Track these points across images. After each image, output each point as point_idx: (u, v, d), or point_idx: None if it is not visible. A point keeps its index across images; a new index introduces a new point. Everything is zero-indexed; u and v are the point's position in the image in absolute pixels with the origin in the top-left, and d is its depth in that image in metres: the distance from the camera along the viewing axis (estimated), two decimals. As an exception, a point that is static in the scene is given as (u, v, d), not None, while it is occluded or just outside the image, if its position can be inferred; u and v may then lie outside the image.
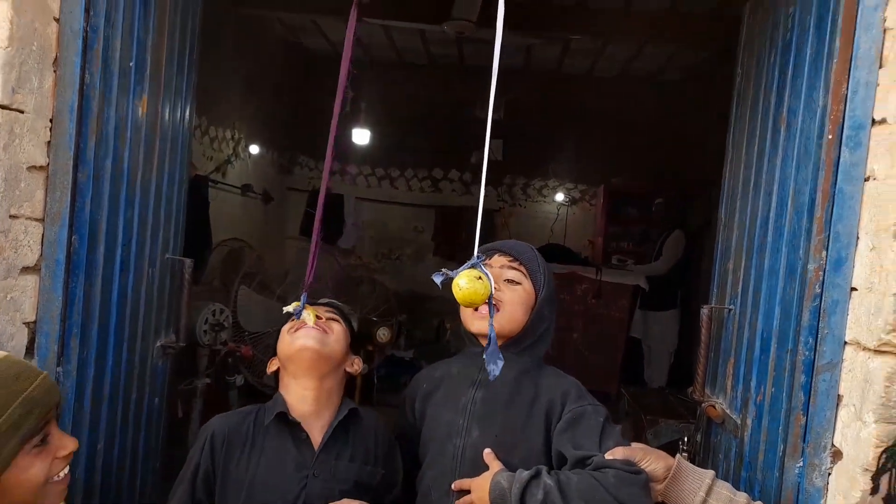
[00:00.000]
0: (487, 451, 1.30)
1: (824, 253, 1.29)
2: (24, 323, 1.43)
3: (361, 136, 6.33)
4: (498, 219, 6.86)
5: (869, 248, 1.22)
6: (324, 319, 1.40)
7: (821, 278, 1.29)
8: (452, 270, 1.20)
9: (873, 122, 1.24)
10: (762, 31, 1.73)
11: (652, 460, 1.25)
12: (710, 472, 1.27)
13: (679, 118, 5.97)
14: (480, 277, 1.19)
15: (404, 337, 5.16)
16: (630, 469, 1.19)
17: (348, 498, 1.28)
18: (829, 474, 1.28)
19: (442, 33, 4.62)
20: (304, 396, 1.37)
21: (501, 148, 5.87)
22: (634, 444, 1.29)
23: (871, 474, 1.12)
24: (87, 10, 1.45)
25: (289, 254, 6.25)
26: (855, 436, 1.21)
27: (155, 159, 1.80)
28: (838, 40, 1.27)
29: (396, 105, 6.54)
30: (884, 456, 1.09)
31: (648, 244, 5.76)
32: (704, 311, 1.82)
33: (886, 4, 1.21)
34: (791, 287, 1.40)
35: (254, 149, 5.84)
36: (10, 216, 1.36)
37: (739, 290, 1.73)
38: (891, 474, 1.06)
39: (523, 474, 1.21)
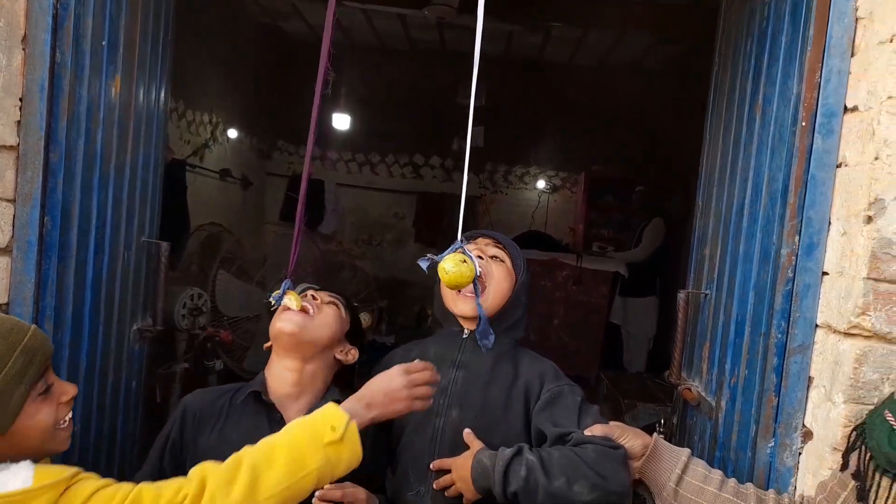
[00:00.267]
0: (467, 431, 1.31)
1: (797, 238, 1.31)
2: (-5, 305, 1.41)
3: (342, 122, 6.29)
4: (479, 206, 6.87)
5: (840, 234, 1.24)
6: (318, 301, 1.40)
7: (793, 263, 1.32)
8: (437, 256, 1.22)
9: (845, 109, 1.26)
10: (739, 20, 1.75)
11: (630, 437, 1.28)
12: (686, 451, 1.29)
13: (660, 107, 6.00)
14: (465, 261, 1.21)
15: (385, 323, 5.17)
16: (609, 444, 1.22)
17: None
18: (800, 454, 1.32)
19: (423, 18, 4.59)
20: (284, 377, 1.37)
21: (482, 135, 5.86)
22: (612, 423, 1.32)
23: (839, 453, 1.15)
24: (57, -13, 1.42)
25: (268, 239, 6.20)
26: (825, 416, 1.24)
27: (129, 141, 1.77)
28: (812, 29, 1.28)
29: (377, 90, 6.48)
30: (853, 434, 1.12)
31: (628, 231, 5.82)
32: (681, 296, 1.85)
33: (859, -7, 1.23)
34: (765, 272, 1.43)
35: (232, 133, 5.77)
36: (-20, 197, 1.34)
37: (715, 275, 1.76)
38: (860, 451, 1.09)
39: (506, 452, 1.23)
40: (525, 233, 6.31)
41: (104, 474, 1.05)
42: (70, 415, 1.10)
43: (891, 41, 1.14)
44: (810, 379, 1.31)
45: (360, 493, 1.24)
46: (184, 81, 4.53)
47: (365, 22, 5.76)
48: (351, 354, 1.46)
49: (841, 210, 1.25)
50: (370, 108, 6.48)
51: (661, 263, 5.25)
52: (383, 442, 1.42)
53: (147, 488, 1.00)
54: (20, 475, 0.95)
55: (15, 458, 0.98)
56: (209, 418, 1.37)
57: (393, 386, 1.18)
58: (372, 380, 1.22)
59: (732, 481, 1.25)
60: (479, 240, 1.48)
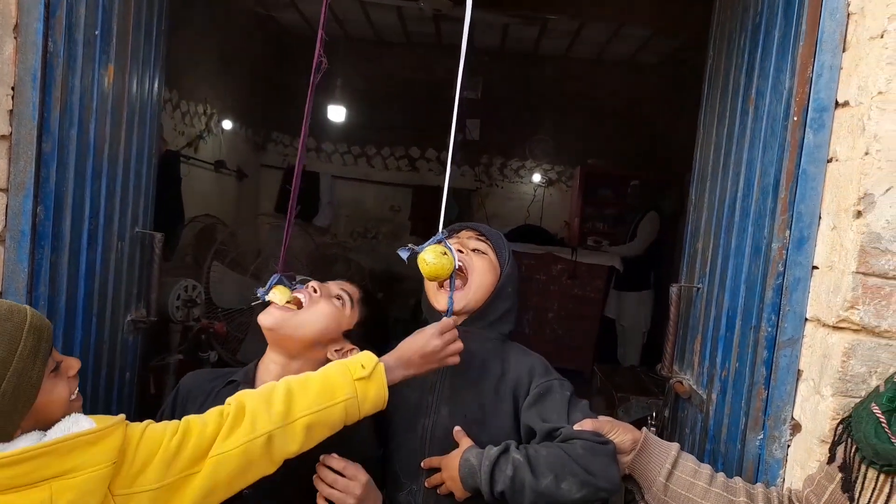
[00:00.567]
0: (457, 428, 1.29)
1: (788, 232, 1.32)
2: (-13, 295, 1.41)
3: (337, 114, 6.26)
4: (475, 199, 6.87)
5: (830, 228, 1.25)
6: (319, 294, 1.35)
7: (784, 257, 1.33)
8: (418, 246, 1.23)
9: (836, 104, 1.27)
10: (733, 15, 1.75)
11: (619, 432, 1.27)
12: (675, 445, 1.29)
13: (655, 101, 6.01)
14: (445, 253, 1.22)
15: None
16: (598, 440, 1.21)
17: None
18: (789, 446, 1.33)
19: (419, 10, 4.57)
20: (269, 369, 1.36)
21: (478, 128, 5.85)
22: (602, 417, 1.30)
23: (827, 446, 1.16)
24: (49, -24, 1.42)
25: (263, 231, 6.19)
26: (813, 409, 1.25)
27: (123, 131, 1.77)
28: (805, 24, 1.29)
29: (373, 82, 6.47)
30: (840, 427, 1.13)
31: (623, 226, 5.83)
32: (674, 289, 1.86)
33: (852, -12, 1.23)
34: (756, 266, 1.44)
35: (227, 124, 5.75)
36: (-28, 186, 1.33)
37: (708, 269, 1.76)
38: (846, 444, 1.10)
39: (492, 450, 1.21)
40: (520, 226, 6.32)
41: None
42: (77, 388, 1.14)
43: (881, 37, 1.15)
44: (799, 372, 1.32)
45: (361, 474, 1.23)
46: (178, 72, 4.51)
47: (361, 14, 5.74)
48: (349, 357, 1.36)
49: (831, 205, 1.26)
50: (366, 100, 6.46)
51: (655, 258, 5.26)
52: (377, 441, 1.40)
53: (192, 418, 1.10)
54: (80, 422, 1.03)
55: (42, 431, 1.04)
56: (197, 398, 1.37)
57: (428, 349, 1.22)
58: (408, 340, 1.24)
59: (721, 475, 1.25)
60: (462, 233, 1.44)
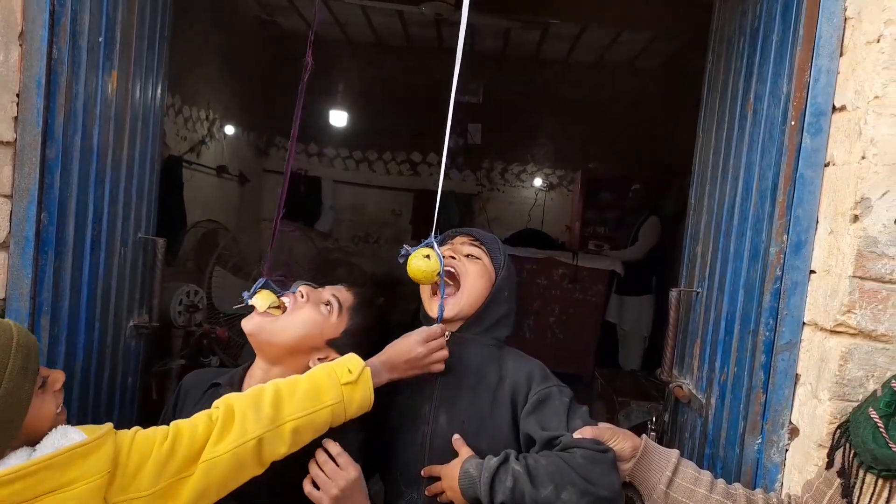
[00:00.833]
0: (456, 437, 1.29)
1: (785, 236, 1.32)
2: (-9, 300, 1.42)
3: (339, 119, 6.29)
4: (476, 203, 6.88)
5: (827, 232, 1.26)
6: (305, 300, 1.33)
7: (781, 261, 1.33)
8: (412, 248, 1.25)
9: (834, 108, 1.28)
10: (732, 18, 1.76)
11: (619, 440, 1.26)
12: (675, 452, 1.29)
13: (656, 105, 6.02)
14: (429, 255, 1.23)
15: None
16: (598, 448, 1.20)
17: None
18: (787, 450, 1.33)
19: (420, 15, 4.59)
20: (254, 374, 1.36)
21: (480, 132, 5.87)
22: (602, 424, 1.30)
23: (825, 450, 1.16)
24: (54, -16, 1.43)
25: (265, 236, 6.19)
26: (811, 413, 1.25)
27: (126, 137, 1.78)
28: (802, 28, 1.29)
29: (374, 87, 6.49)
30: (838, 432, 1.13)
31: (624, 230, 5.83)
32: (673, 293, 1.86)
33: (847, -6, 1.24)
34: (754, 269, 1.44)
35: (229, 129, 5.77)
36: (-23, 192, 1.34)
37: (707, 273, 1.77)
38: (844, 449, 1.10)
39: (492, 461, 1.20)
40: (522, 231, 6.33)
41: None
42: (62, 401, 1.14)
43: (878, 41, 1.15)
44: (797, 376, 1.32)
45: (353, 469, 1.20)
46: (181, 77, 4.54)
47: (363, 18, 5.76)
48: None
49: (828, 209, 1.26)
50: (367, 104, 6.49)
51: (657, 262, 5.26)
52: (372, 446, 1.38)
53: (182, 422, 1.11)
54: (70, 435, 1.04)
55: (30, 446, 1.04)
56: (192, 397, 1.38)
57: (412, 355, 1.25)
58: (394, 345, 1.26)
59: (721, 482, 1.25)
60: (457, 239, 1.44)
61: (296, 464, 1.19)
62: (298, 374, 1.32)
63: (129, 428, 1.11)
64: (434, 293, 1.35)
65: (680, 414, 1.89)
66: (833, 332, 1.20)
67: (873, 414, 1.03)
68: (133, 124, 1.81)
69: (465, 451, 1.27)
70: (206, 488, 1.07)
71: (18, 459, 1.00)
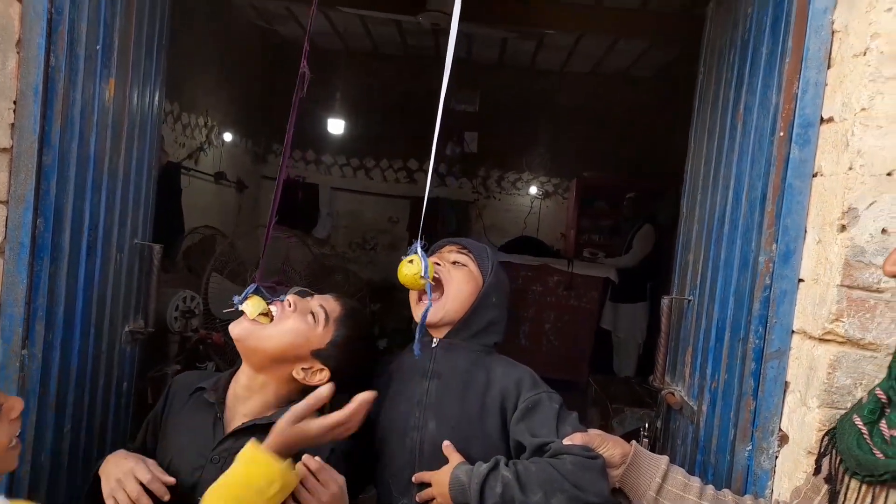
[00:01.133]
0: (447, 443, 1.29)
1: (774, 246, 1.34)
2: (-13, 306, 1.42)
3: (336, 126, 6.31)
4: (472, 211, 6.90)
5: (815, 242, 1.27)
6: (293, 308, 1.30)
7: (771, 270, 1.35)
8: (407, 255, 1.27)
9: (821, 120, 1.30)
10: (723, 30, 1.78)
11: (609, 446, 1.26)
12: (665, 458, 1.29)
13: (650, 114, 6.06)
14: (412, 261, 1.25)
15: (377, 326, 5.19)
16: (587, 454, 1.20)
17: None
18: (776, 457, 1.34)
19: (418, 25, 4.62)
20: (239, 379, 1.35)
21: (476, 140, 5.90)
22: (592, 431, 1.30)
23: (814, 457, 1.17)
24: (51, -8, 1.44)
25: (262, 242, 6.21)
26: (800, 420, 1.26)
27: (123, 144, 1.79)
28: (791, 41, 1.31)
29: (372, 95, 6.52)
30: (825, 439, 1.14)
31: (619, 237, 5.86)
32: (665, 301, 1.87)
33: (835, 7, 1.26)
34: (744, 278, 1.45)
35: (227, 136, 5.79)
36: (-26, 198, 1.35)
37: (698, 281, 1.78)
38: (831, 456, 1.11)
39: (481, 468, 1.21)
40: (517, 238, 6.35)
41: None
42: (18, 432, 1.05)
43: (864, 54, 1.17)
44: (787, 384, 1.34)
45: (333, 485, 1.16)
46: (179, 84, 4.55)
47: (361, 27, 5.80)
48: (317, 377, 1.30)
49: (816, 218, 1.28)
50: (365, 112, 6.52)
51: (651, 269, 5.28)
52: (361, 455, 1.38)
53: None
54: None
55: None
56: (181, 399, 1.38)
57: (311, 435, 1.15)
58: (293, 429, 1.15)
59: (710, 488, 1.25)
60: (445, 248, 1.46)
61: None
62: (282, 383, 1.31)
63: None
64: (420, 299, 1.36)
65: (672, 421, 1.90)
66: (821, 340, 1.21)
67: (858, 421, 1.05)
68: (130, 131, 1.82)
69: (455, 458, 1.27)
70: None
71: None
